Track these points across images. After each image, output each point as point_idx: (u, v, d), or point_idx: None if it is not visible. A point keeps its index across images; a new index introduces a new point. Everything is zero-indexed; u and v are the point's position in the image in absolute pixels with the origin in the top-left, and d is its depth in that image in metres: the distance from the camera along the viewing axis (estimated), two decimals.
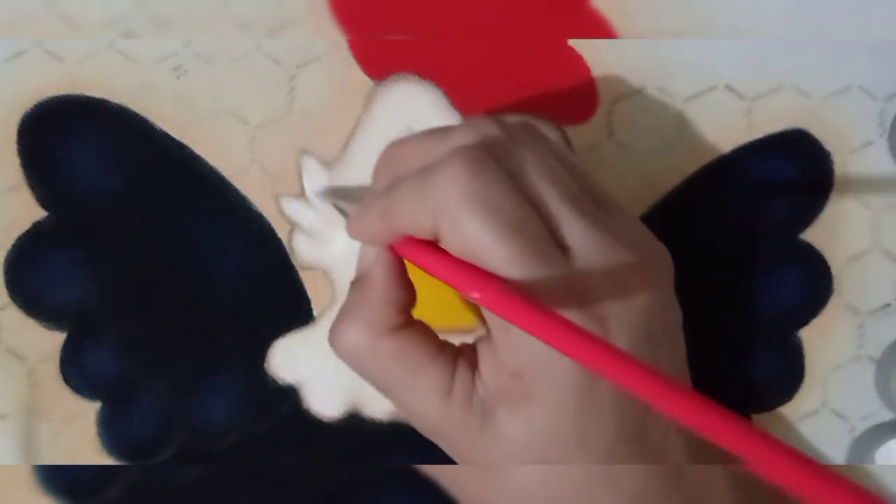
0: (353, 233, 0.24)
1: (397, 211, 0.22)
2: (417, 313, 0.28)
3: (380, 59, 0.27)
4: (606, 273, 0.21)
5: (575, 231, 0.21)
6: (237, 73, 0.27)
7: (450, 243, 0.21)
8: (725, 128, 0.28)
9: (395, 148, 0.24)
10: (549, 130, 0.25)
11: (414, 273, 0.28)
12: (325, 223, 0.28)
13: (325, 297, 0.28)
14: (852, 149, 0.28)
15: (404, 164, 0.23)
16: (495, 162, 0.21)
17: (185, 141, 0.27)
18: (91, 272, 0.27)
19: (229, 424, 0.27)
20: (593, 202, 0.22)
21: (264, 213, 0.27)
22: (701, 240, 0.28)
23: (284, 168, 0.27)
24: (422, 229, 0.22)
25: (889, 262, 0.28)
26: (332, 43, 0.27)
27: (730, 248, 0.28)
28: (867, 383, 0.29)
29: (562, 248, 0.21)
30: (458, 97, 0.27)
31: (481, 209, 0.20)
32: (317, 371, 0.28)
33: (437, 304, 0.28)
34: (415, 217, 0.22)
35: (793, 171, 0.28)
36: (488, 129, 0.23)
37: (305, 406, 0.28)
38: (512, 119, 0.24)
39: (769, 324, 0.28)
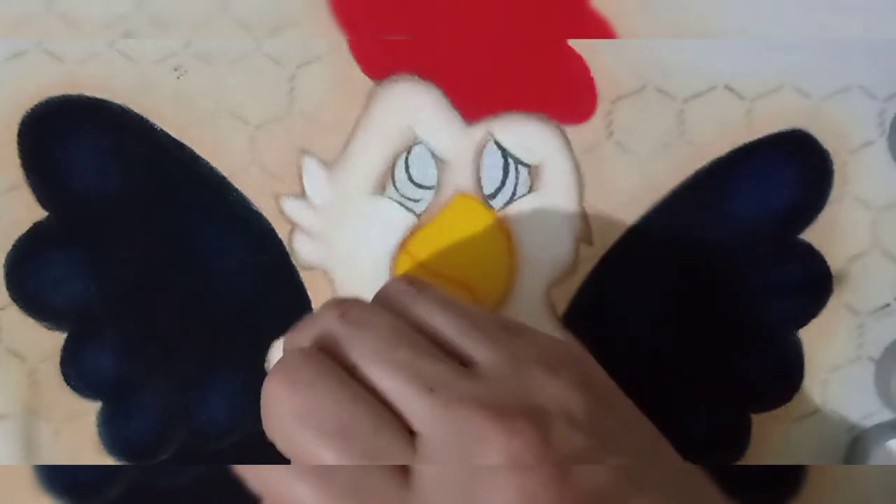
0: None
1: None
2: None
3: (380, 59, 0.27)
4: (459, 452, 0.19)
5: (416, 414, 0.20)
6: (237, 73, 0.27)
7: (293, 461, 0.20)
8: (725, 128, 0.28)
9: (284, 338, 0.24)
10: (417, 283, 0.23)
11: (413, 271, 0.28)
12: (326, 223, 0.28)
13: (325, 297, 0.28)
14: (852, 149, 0.28)
15: None
16: (316, 361, 0.20)
17: (185, 141, 0.27)
18: (91, 272, 0.27)
19: (229, 424, 0.27)
20: (454, 360, 0.21)
21: (264, 213, 0.27)
22: (701, 240, 0.28)
23: (284, 168, 0.27)
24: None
25: (889, 262, 0.28)
26: (332, 43, 0.27)
27: (730, 248, 0.28)
28: (867, 383, 0.29)
29: (412, 431, 0.20)
30: (458, 97, 0.28)
31: (302, 424, 0.20)
32: None
33: None
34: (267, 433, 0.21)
35: (793, 171, 0.28)
36: (327, 318, 0.22)
37: None
38: (373, 295, 0.23)
39: (769, 324, 0.28)
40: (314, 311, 0.23)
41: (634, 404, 0.22)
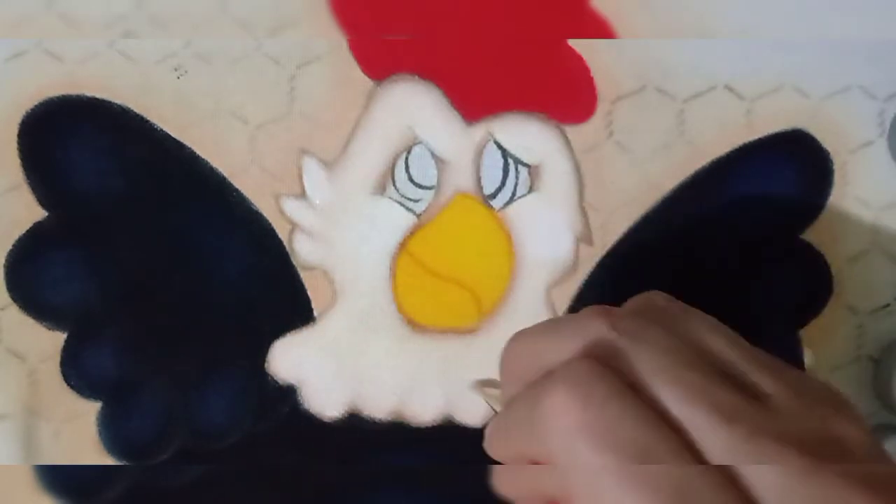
0: (488, 451, 0.22)
1: (511, 440, 0.21)
2: (417, 313, 0.28)
3: (380, 59, 0.27)
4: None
5: (714, 445, 0.18)
6: (237, 73, 0.27)
7: (571, 478, 0.19)
8: (725, 128, 0.28)
9: (515, 344, 0.22)
10: (674, 304, 0.22)
11: (413, 271, 0.28)
12: (326, 223, 0.28)
13: (325, 297, 0.28)
14: (852, 149, 0.28)
15: (522, 369, 0.21)
16: (608, 376, 0.19)
17: (185, 141, 0.27)
18: (91, 272, 0.27)
19: (229, 424, 0.27)
20: (742, 389, 0.19)
21: (264, 213, 0.27)
22: (701, 240, 0.28)
23: (284, 168, 0.27)
24: (541, 458, 0.20)
25: (889, 262, 0.28)
26: (332, 43, 0.27)
27: (730, 248, 0.28)
28: (867, 383, 0.29)
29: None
30: (458, 97, 0.28)
31: (597, 443, 0.18)
32: (317, 371, 0.28)
33: (437, 303, 0.28)
34: (530, 448, 0.20)
35: (793, 171, 0.28)
36: (597, 327, 0.20)
37: (305, 406, 0.28)
38: (629, 306, 0.22)
39: (769, 324, 0.28)
40: (567, 315, 0.22)
41: None
